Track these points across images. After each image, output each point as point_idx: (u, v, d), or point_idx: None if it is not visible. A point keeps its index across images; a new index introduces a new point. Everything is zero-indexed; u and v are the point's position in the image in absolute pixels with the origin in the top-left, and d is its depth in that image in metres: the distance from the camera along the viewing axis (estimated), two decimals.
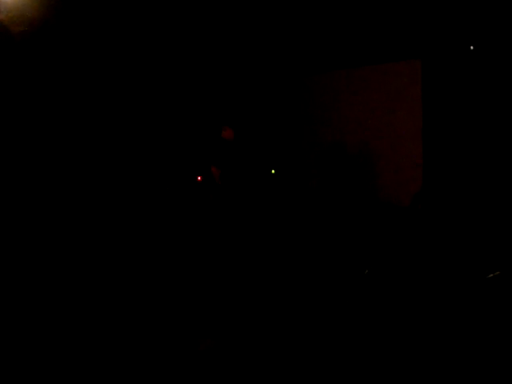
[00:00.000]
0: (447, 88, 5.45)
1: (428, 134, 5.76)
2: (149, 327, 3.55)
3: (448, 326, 3.45)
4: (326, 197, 7.50)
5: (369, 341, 3.29)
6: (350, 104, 6.96)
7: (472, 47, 5.17)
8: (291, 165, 8.11)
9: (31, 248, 4.74)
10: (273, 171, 6.99)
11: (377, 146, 6.60)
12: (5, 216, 5.42)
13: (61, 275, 4.44)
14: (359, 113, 6.83)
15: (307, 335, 3.44)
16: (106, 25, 6.58)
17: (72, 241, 5.46)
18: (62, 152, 6.41)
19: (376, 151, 6.62)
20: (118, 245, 5.61)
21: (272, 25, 7.30)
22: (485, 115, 5.11)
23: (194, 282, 4.49)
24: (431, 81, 5.66)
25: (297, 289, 4.32)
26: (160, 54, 7.14)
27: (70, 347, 3.21)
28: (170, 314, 3.80)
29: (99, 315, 3.76)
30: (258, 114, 8.21)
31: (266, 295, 4.20)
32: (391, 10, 6.02)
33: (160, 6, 6.82)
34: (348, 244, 5.55)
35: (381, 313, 3.74)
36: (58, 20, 6.23)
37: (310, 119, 7.77)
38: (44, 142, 6.28)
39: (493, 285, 4.00)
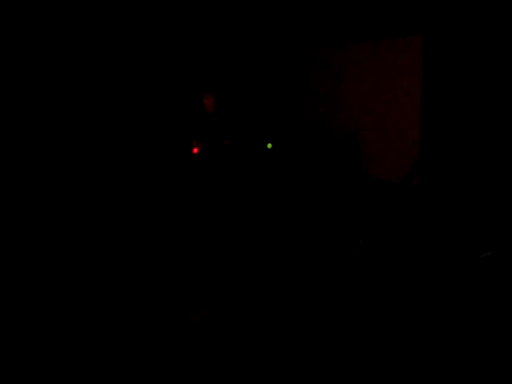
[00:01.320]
0: (449, 65, 5.36)
1: (428, 111, 5.69)
2: (143, 302, 3.54)
3: (441, 302, 3.47)
4: (318, 172, 7.46)
5: (363, 313, 3.31)
6: (348, 79, 6.87)
7: (474, 25, 5.06)
8: (289, 140, 8.02)
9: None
10: (269, 145, 6.61)
11: (371, 123, 6.55)
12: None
13: (57, 263, 4.38)
14: (356, 88, 6.75)
15: (301, 306, 3.46)
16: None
17: (65, 224, 5.40)
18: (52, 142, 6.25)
19: (370, 128, 6.57)
20: (111, 221, 5.58)
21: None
22: (490, 93, 5.03)
23: (185, 256, 4.48)
24: (432, 58, 5.57)
25: (289, 262, 4.33)
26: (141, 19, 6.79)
27: (68, 326, 3.19)
28: (162, 288, 3.79)
29: (94, 294, 3.74)
30: (249, 83, 7.83)
31: (258, 267, 4.20)
32: None
33: None
34: (342, 219, 5.55)
35: (375, 287, 3.76)
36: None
37: (308, 93, 7.67)
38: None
39: (485, 264, 4.02)
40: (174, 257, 4.44)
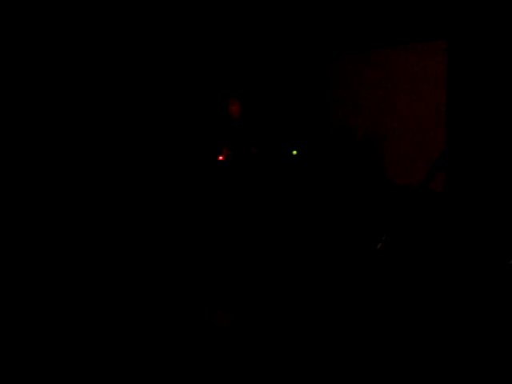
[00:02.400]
0: (474, 70, 5.31)
1: (452, 118, 5.64)
2: (166, 307, 3.59)
3: (467, 307, 3.44)
4: (338, 176, 7.47)
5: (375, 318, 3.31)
6: (369, 85, 6.87)
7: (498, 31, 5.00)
8: (313, 145, 8.04)
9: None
10: (294, 152, 6.55)
11: (394, 127, 6.53)
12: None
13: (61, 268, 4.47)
14: (378, 93, 6.75)
15: (322, 309, 3.48)
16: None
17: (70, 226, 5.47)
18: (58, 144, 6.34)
19: (393, 132, 6.55)
20: (122, 225, 5.66)
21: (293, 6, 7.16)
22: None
23: (206, 262, 4.53)
24: (457, 63, 5.53)
25: (312, 260, 4.35)
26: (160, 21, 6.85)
27: (81, 334, 3.23)
28: (184, 293, 3.84)
29: (111, 297, 3.80)
30: (273, 89, 7.80)
31: (278, 269, 4.24)
32: None
33: None
34: (363, 220, 5.56)
35: (397, 286, 3.75)
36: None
37: (331, 98, 7.69)
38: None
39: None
40: (196, 261, 4.51)
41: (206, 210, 6.11)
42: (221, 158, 5.72)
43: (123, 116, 6.78)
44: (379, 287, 3.83)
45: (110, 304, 3.65)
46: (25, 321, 3.39)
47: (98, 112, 6.54)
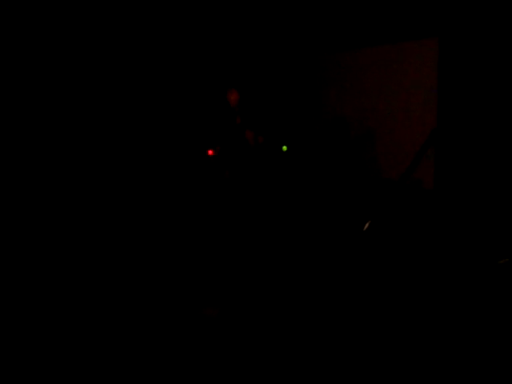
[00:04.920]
0: (467, 68, 5.34)
1: (444, 107, 5.65)
2: (152, 302, 3.58)
3: (454, 306, 3.45)
4: (328, 173, 7.51)
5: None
6: (360, 82, 6.92)
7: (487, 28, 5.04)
8: (303, 142, 8.06)
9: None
10: (284, 148, 6.49)
11: (383, 125, 6.57)
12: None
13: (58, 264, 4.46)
14: (368, 91, 6.79)
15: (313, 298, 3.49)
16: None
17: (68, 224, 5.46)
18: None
19: (382, 129, 6.59)
20: (117, 223, 5.66)
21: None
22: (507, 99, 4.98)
23: (194, 257, 4.54)
24: (449, 61, 5.56)
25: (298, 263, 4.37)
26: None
27: (72, 329, 3.23)
28: (171, 288, 3.84)
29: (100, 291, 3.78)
30: (269, 82, 7.84)
31: (266, 261, 4.27)
32: None
33: None
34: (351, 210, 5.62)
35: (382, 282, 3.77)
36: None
37: (321, 95, 7.71)
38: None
39: (503, 271, 3.95)
40: (184, 256, 4.51)
41: (199, 207, 6.12)
42: (211, 152, 5.69)
43: (118, 102, 6.73)
44: (366, 266, 3.87)
45: (106, 299, 3.64)
46: (24, 321, 3.37)
47: (92, 104, 6.49)
